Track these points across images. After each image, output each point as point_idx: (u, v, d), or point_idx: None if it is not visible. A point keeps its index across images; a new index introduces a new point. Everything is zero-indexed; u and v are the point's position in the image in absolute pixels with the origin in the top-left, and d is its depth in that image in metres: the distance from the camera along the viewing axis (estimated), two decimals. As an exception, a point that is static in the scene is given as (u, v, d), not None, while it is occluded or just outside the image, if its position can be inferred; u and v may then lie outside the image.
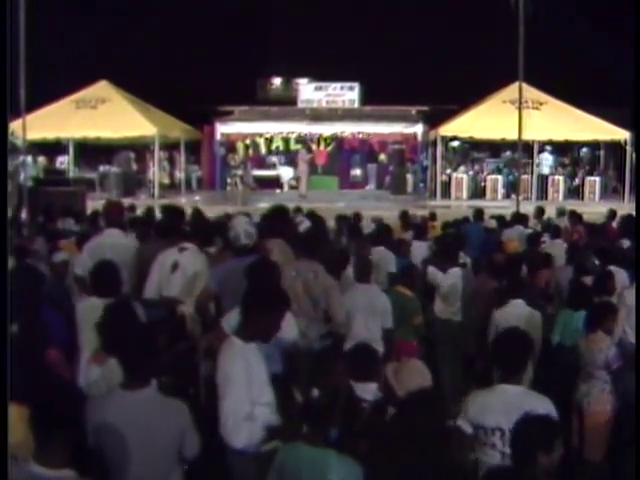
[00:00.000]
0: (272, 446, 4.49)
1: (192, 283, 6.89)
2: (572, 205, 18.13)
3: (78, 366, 5.69)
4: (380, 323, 7.08)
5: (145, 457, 4.02)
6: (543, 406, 4.50)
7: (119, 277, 6.14)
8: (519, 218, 13.21)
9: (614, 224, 13.35)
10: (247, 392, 4.50)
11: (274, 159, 30.05)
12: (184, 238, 7.30)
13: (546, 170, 26.97)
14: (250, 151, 30.24)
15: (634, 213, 14.03)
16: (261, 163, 29.79)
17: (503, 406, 4.53)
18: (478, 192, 26.73)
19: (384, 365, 5.09)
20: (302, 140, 30.19)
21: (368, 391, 5.04)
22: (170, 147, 28.96)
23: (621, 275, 8.13)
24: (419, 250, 10.39)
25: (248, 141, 30.31)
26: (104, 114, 25.65)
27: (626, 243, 10.53)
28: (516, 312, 7.06)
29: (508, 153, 27.07)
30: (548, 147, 27.15)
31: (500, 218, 13.46)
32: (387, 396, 4.73)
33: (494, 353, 4.93)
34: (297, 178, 27.78)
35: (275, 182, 28.45)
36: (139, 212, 14.10)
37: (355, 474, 3.98)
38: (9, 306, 4.25)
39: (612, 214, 14.11)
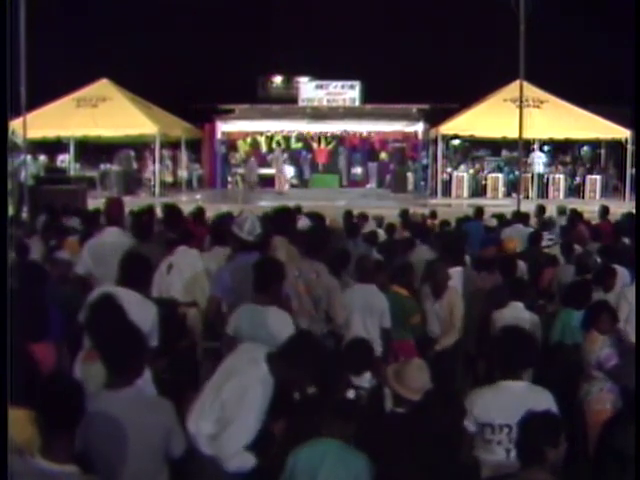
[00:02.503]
0: None
1: (190, 279, 7.05)
2: (573, 204, 18.11)
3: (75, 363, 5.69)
4: (378, 323, 7.05)
5: (133, 457, 4.01)
6: (546, 400, 4.56)
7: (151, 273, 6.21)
8: (520, 217, 13.20)
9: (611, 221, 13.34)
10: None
11: (275, 157, 30.03)
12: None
13: (539, 169, 26.74)
14: (251, 149, 30.23)
15: (634, 211, 14.01)
16: (262, 162, 29.80)
17: (510, 403, 4.56)
18: (479, 190, 26.68)
19: (384, 366, 5.16)
20: (303, 138, 30.20)
21: (364, 380, 5.35)
22: (171, 146, 28.96)
23: (623, 274, 8.12)
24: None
25: (249, 139, 30.31)
26: (105, 112, 25.62)
27: (627, 241, 10.53)
28: (515, 316, 6.98)
29: (508, 152, 27.01)
30: (538, 145, 26.94)
31: (500, 216, 13.45)
32: (396, 400, 4.76)
33: (494, 352, 4.94)
34: (277, 176, 27.59)
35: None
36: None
37: (366, 469, 4.06)
38: (9, 305, 4.24)
39: (605, 211, 14.07)
